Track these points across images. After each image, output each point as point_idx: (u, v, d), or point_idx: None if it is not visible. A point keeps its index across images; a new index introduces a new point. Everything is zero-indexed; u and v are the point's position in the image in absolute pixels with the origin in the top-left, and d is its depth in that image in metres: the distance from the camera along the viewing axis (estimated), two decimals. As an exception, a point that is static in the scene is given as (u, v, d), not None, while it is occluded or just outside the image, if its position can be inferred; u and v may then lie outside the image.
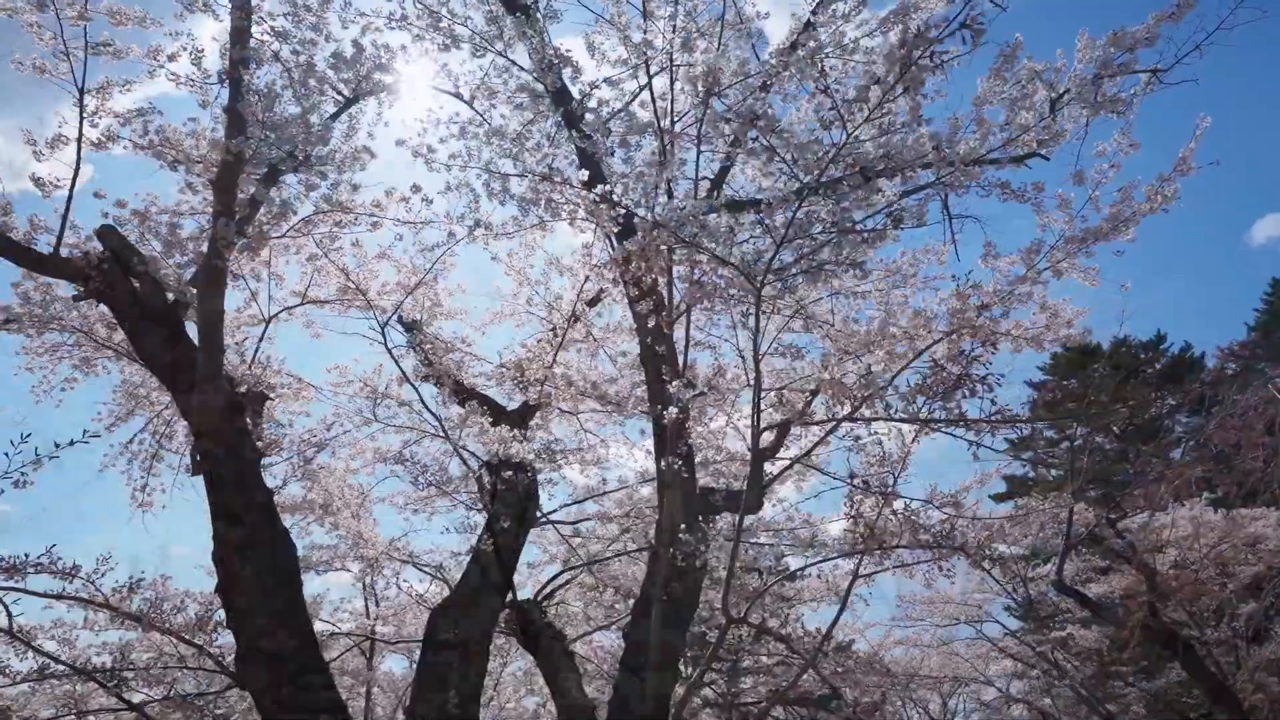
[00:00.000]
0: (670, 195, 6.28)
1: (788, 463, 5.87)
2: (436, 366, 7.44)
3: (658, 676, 4.65)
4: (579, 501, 7.33)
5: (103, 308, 6.12)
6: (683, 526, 5.27)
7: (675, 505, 5.27)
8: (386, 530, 8.83)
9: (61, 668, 4.56)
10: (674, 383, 5.73)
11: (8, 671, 4.40)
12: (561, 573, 7.60)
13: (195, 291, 5.22)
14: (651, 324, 6.21)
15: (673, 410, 5.24)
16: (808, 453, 5.76)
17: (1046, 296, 6.58)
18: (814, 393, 6.31)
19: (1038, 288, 6.16)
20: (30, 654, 4.42)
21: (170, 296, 5.49)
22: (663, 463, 5.34)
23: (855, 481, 5.10)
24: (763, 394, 7.64)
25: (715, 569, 5.90)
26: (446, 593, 9.39)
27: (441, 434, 7.35)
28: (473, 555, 6.44)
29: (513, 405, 7.76)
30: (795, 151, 3.45)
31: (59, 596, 4.57)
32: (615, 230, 6.39)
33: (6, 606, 4.10)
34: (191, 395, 5.16)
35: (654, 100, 5.73)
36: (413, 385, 7.21)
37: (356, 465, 8.40)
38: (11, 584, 4.55)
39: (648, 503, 7.93)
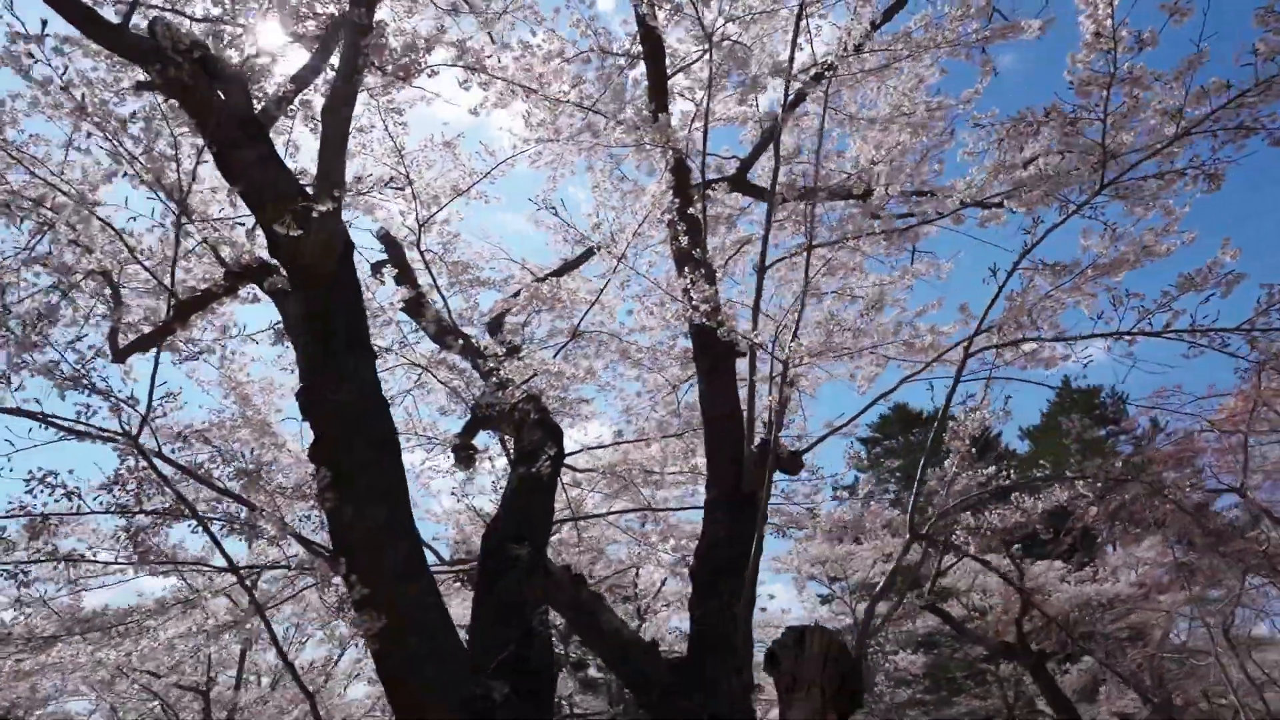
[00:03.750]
0: (777, 144, 6.29)
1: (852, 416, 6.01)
2: (425, 296, 6.79)
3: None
4: (602, 446, 6.94)
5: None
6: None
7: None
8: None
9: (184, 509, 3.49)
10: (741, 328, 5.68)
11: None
12: (558, 523, 7.11)
13: (318, 108, 4.41)
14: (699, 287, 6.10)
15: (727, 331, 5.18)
16: (866, 409, 5.91)
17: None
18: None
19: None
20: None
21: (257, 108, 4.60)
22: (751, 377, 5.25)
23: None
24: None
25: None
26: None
27: (462, 355, 6.69)
28: (512, 484, 5.87)
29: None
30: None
31: (112, 436, 3.56)
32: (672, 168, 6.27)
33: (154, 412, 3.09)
34: (283, 226, 4.32)
35: (794, 45, 5.75)
36: (441, 295, 6.52)
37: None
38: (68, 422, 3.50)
39: (637, 464, 7.68)
